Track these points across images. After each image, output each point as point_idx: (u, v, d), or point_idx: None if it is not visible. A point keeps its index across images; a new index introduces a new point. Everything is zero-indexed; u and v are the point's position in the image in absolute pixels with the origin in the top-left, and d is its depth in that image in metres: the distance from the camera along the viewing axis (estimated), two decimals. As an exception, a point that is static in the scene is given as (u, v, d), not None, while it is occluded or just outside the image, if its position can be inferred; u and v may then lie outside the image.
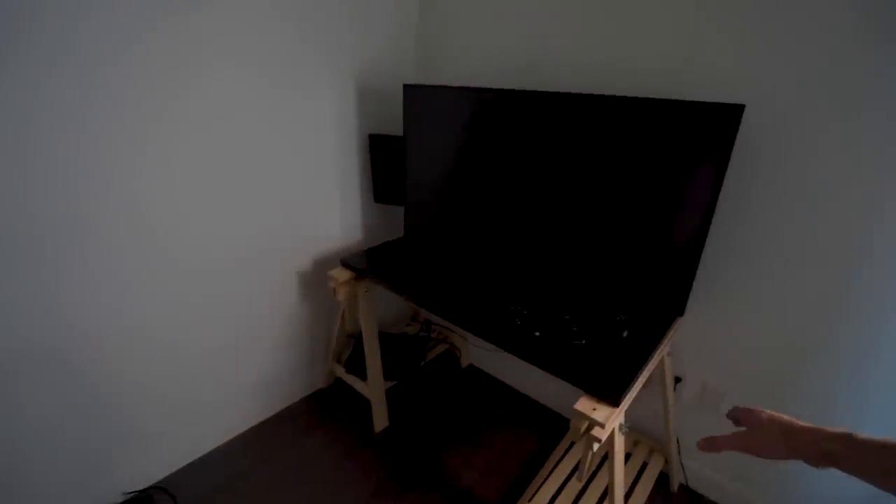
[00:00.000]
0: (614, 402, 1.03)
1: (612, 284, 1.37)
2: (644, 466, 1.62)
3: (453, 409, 1.96)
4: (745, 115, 1.04)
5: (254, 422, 1.82)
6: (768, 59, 1.13)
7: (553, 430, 1.85)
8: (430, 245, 1.76)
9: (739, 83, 1.18)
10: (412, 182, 1.71)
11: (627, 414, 1.13)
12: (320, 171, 1.69)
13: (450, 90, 1.54)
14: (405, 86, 1.57)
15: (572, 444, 1.69)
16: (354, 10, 1.57)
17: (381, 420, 1.82)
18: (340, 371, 1.92)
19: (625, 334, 1.24)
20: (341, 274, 1.60)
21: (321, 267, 1.78)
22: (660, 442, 1.64)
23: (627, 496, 1.52)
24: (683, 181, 1.17)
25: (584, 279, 1.42)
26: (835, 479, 1.33)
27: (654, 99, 1.16)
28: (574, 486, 1.53)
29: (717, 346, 1.43)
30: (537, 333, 1.23)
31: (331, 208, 1.78)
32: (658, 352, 1.20)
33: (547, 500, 1.48)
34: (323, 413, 1.90)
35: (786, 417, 0.62)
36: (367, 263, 1.63)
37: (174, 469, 1.60)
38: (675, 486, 1.63)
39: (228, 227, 1.47)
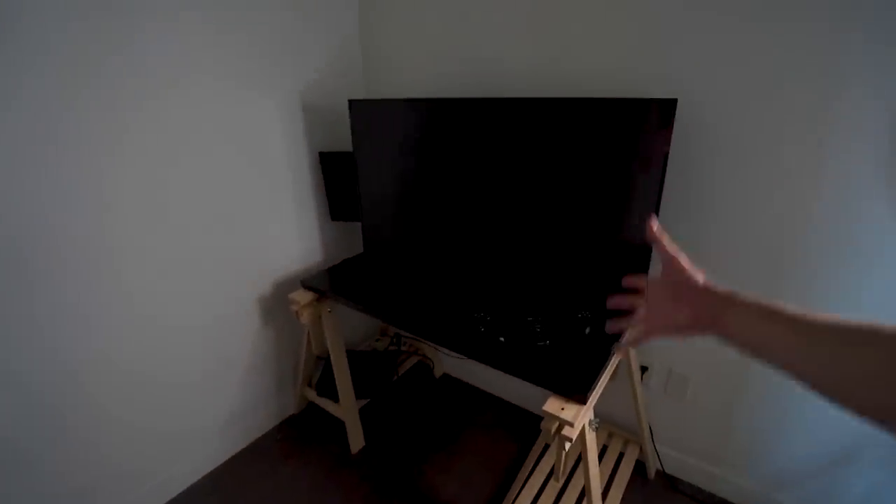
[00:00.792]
0: (581, 400, 1.04)
1: (572, 282, 1.39)
2: (621, 457, 1.64)
3: (430, 420, 1.94)
4: (679, 111, 1.08)
5: (226, 456, 1.75)
6: (690, 56, 1.18)
7: (530, 431, 1.86)
8: (391, 259, 1.74)
9: (673, 81, 1.22)
10: (366, 197, 1.69)
11: (598, 408, 1.14)
12: (274, 195, 1.66)
13: (395, 103, 1.54)
14: (351, 101, 1.56)
15: (547, 444, 1.70)
16: (293, 29, 1.55)
17: (356, 440, 1.79)
18: (312, 394, 1.87)
19: (587, 331, 1.25)
20: (303, 296, 1.57)
21: (283, 290, 1.74)
22: (633, 432, 1.66)
23: (607, 488, 1.54)
24: (628, 176, 1.20)
25: (544, 279, 1.43)
26: (799, 452, 1.38)
27: (594, 98, 1.19)
28: (554, 485, 1.54)
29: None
30: (502, 338, 1.24)
31: (287, 231, 1.74)
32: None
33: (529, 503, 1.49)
34: (297, 439, 1.85)
35: (670, 277, 0.57)
36: (329, 283, 1.61)
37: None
38: (651, 473, 1.66)
39: (183, 254, 1.42)
